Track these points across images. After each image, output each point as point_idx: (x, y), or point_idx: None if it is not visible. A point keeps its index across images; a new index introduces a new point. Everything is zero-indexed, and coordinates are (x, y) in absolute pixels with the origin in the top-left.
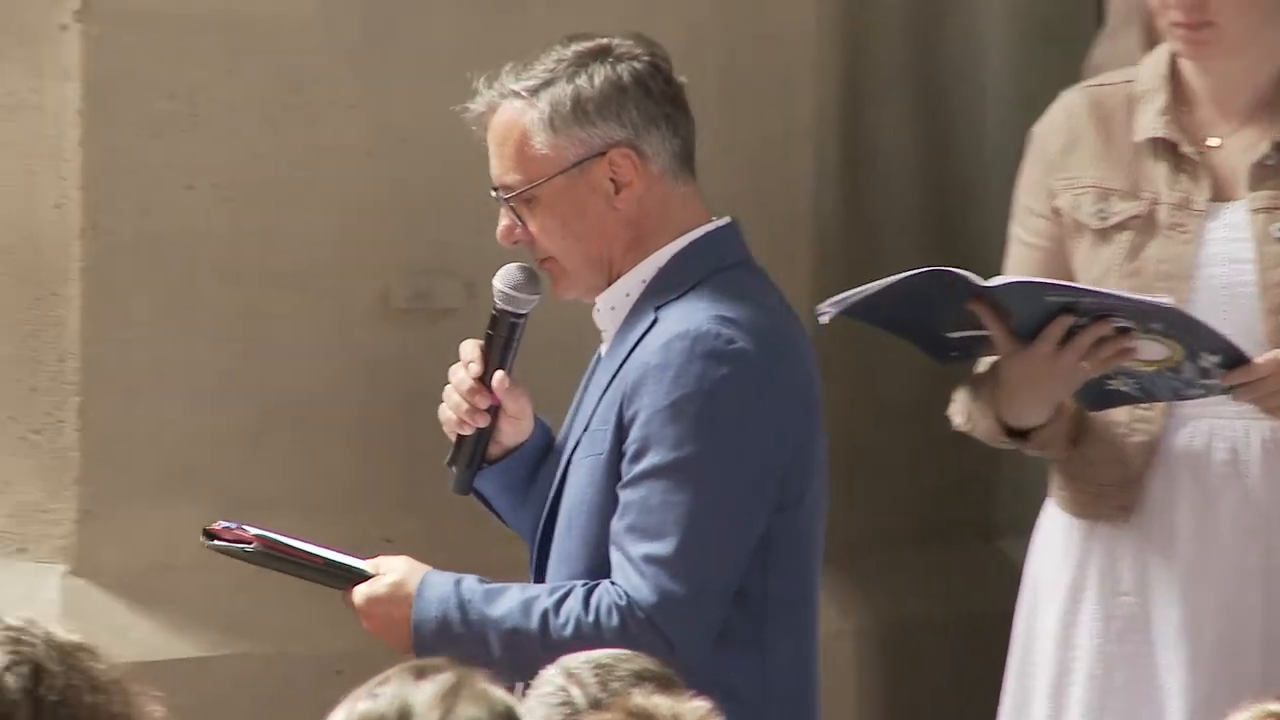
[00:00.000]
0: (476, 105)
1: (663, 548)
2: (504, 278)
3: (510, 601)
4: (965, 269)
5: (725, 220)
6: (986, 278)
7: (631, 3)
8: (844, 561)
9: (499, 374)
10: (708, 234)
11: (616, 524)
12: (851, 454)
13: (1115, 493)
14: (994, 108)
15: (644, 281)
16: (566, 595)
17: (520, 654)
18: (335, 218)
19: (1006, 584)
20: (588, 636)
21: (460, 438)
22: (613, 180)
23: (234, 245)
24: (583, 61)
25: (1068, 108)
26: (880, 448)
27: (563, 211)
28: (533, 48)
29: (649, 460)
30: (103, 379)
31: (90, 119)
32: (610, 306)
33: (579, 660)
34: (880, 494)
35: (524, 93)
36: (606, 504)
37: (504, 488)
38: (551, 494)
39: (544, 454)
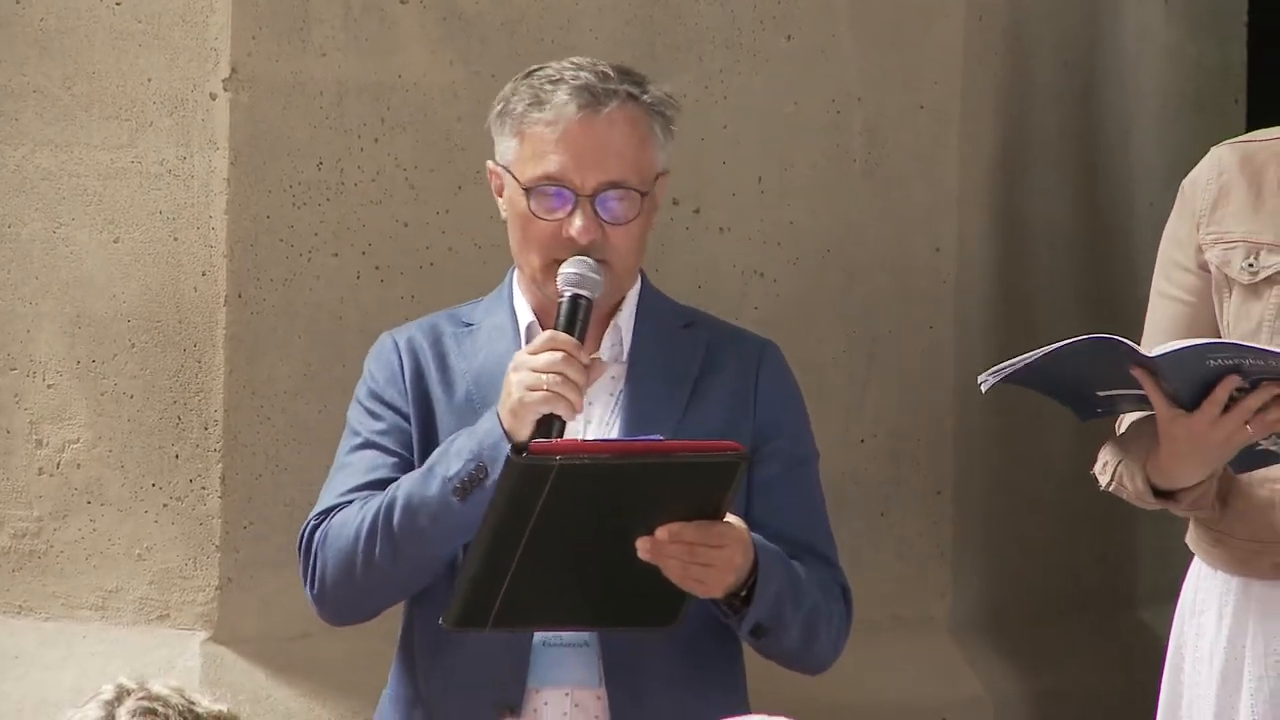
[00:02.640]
0: (611, 97)
1: (831, 543)
2: (576, 264)
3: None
4: (1119, 335)
5: None
6: (1138, 343)
7: (778, 71)
8: (987, 632)
9: (603, 358)
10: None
11: (796, 517)
12: (996, 527)
13: (1275, 549)
14: (1142, 178)
15: (634, 306)
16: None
17: (817, 622)
18: (481, 287)
19: (1149, 653)
20: (850, 613)
21: (555, 419)
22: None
23: (379, 313)
24: (642, 79)
25: (1218, 162)
26: (1024, 521)
27: (648, 218)
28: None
29: (809, 460)
30: (246, 447)
31: (236, 187)
32: (629, 329)
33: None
34: (1023, 565)
35: (645, 98)
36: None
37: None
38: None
39: None
